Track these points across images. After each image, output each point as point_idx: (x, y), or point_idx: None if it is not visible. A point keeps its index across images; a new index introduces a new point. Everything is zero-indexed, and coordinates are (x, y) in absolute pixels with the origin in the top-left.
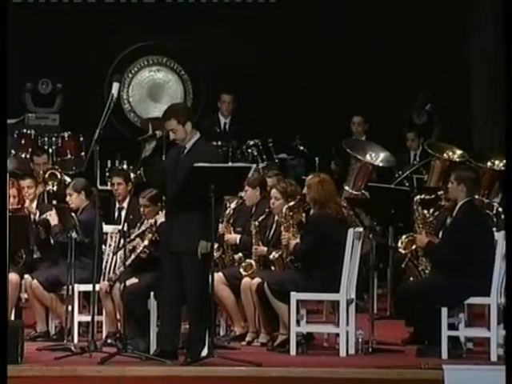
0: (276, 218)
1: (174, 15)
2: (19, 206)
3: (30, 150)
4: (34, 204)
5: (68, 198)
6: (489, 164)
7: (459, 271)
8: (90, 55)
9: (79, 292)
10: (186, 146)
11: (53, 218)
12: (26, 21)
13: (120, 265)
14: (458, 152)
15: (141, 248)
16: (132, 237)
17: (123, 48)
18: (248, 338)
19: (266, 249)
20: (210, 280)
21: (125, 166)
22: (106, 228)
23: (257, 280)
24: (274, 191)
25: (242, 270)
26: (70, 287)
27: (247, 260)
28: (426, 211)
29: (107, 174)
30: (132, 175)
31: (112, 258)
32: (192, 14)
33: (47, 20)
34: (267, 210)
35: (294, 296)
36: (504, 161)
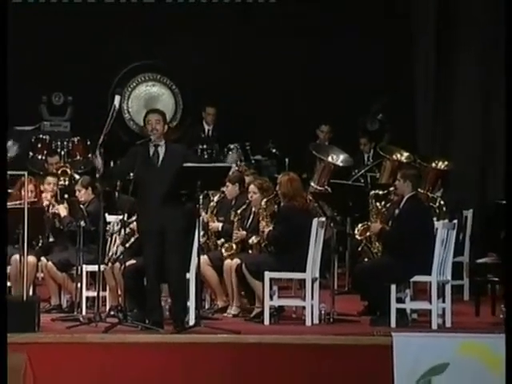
0: (253, 209)
1: (172, 16)
2: (36, 200)
3: (44, 152)
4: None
5: (77, 193)
6: (433, 164)
7: (406, 254)
8: (95, 66)
9: (87, 272)
10: (159, 144)
11: (61, 210)
12: (26, 21)
13: (120, 247)
14: (405, 154)
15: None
16: (130, 221)
17: (125, 55)
18: (229, 311)
19: (245, 233)
20: (197, 262)
21: None
22: (109, 218)
23: (236, 261)
24: (252, 187)
25: (223, 250)
26: (79, 268)
27: (228, 243)
28: (378, 204)
29: None
30: None
31: (114, 243)
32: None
33: (47, 20)
34: (246, 201)
35: (268, 275)
36: (446, 162)
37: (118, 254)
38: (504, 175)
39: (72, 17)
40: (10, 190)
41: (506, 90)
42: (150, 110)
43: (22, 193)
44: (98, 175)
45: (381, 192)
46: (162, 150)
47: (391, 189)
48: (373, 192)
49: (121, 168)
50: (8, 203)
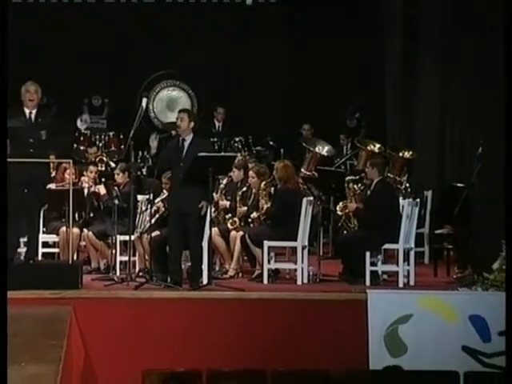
0: (254, 190)
1: (172, 16)
2: (76, 180)
3: (86, 144)
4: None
5: (116, 176)
6: (400, 154)
7: (377, 227)
8: (126, 73)
9: (120, 241)
10: (185, 138)
11: (102, 189)
12: (26, 21)
13: (147, 221)
14: (377, 145)
15: (162, 210)
16: (156, 201)
17: (148, 63)
18: (229, 273)
19: (246, 209)
20: (209, 233)
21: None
22: (139, 197)
23: (240, 233)
24: (250, 172)
25: (228, 224)
26: (114, 237)
27: (233, 218)
28: (355, 186)
29: (139, 160)
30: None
31: (142, 218)
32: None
33: (47, 20)
34: (247, 184)
35: (266, 244)
36: (410, 152)
37: (146, 228)
38: (504, 170)
39: (72, 17)
40: (53, 174)
41: (506, 89)
42: (184, 108)
43: (65, 176)
44: (149, 154)
45: (354, 177)
46: (186, 143)
47: (362, 174)
48: (350, 177)
49: (162, 158)
50: (54, 185)
